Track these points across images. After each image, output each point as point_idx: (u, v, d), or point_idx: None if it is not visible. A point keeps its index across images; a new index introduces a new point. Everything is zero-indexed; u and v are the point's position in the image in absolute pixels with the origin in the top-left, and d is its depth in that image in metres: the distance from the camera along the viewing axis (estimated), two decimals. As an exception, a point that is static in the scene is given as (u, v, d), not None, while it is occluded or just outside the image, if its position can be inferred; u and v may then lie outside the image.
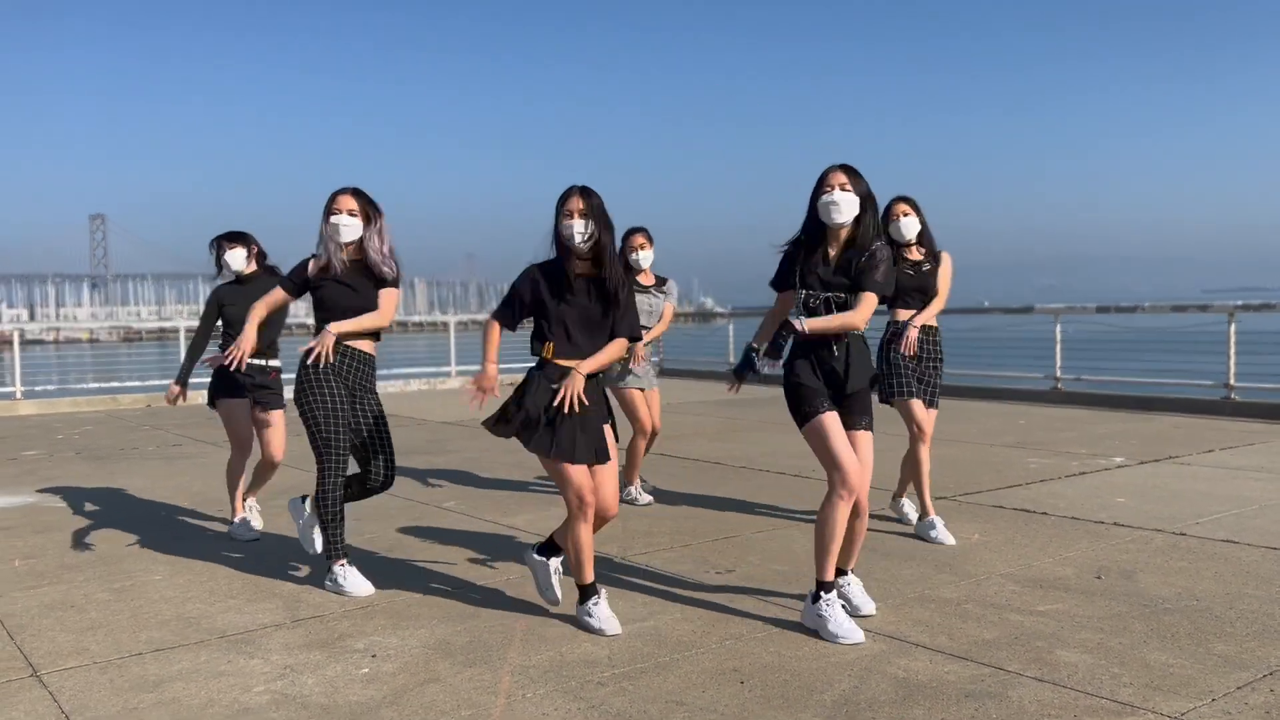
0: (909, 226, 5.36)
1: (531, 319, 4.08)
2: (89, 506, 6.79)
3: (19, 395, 13.89)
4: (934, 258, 5.48)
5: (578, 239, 3.95)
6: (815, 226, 4.03)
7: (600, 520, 4.07)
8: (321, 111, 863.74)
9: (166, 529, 6.05)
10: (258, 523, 5.83)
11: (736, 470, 7.66)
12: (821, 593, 3.90)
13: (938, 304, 5.45)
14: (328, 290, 4.59)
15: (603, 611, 4.02)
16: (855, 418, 4.03)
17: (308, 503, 4.75)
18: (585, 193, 3.98)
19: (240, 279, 5.75)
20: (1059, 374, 12.14)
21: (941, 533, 5.29)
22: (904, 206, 5.39)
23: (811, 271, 4.00)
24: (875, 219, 4.04)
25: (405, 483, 7.39)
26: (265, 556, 5.31)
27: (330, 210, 4.59)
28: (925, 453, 5.43)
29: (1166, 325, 13.55)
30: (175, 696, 3.42)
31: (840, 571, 4.14)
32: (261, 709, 3.30)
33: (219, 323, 5.79)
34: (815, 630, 3.87)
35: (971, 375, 13.25)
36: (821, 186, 3.97)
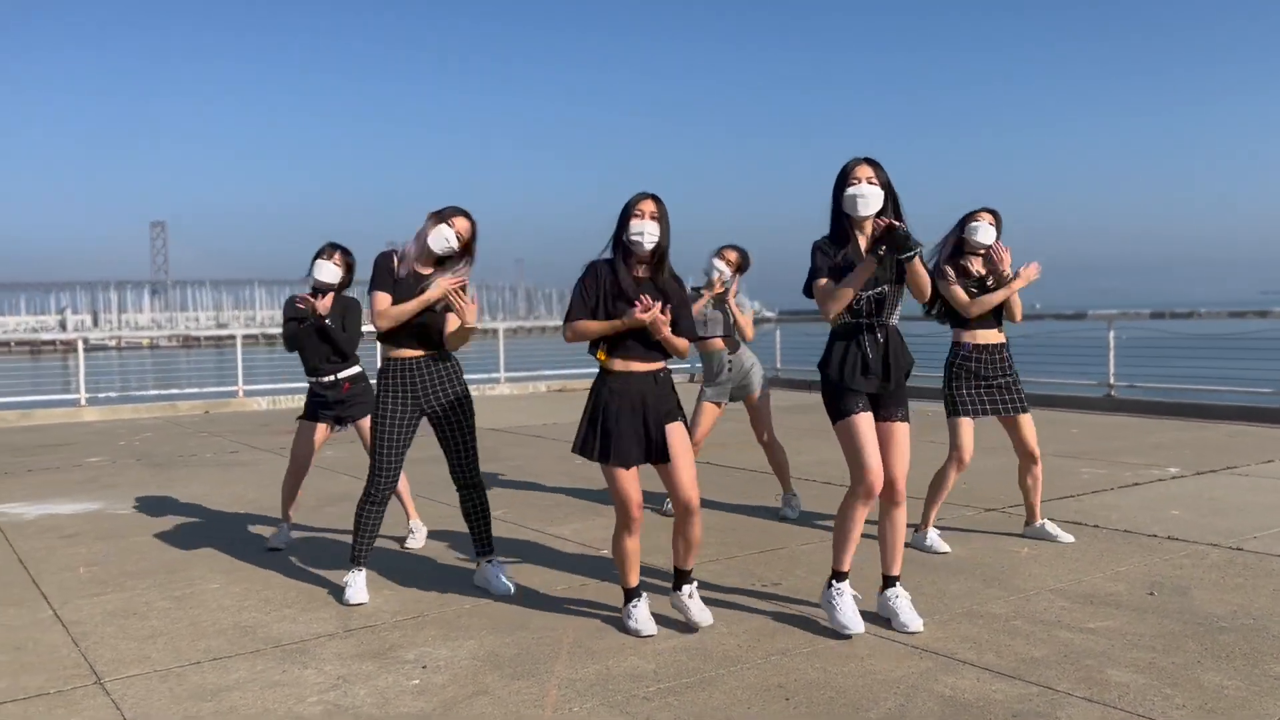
0: (985, 232, 5.30)
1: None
2: (149, 513, 6.96)
3: (83, 402, 14.26)
4: (999, 279, 5.37)
5: (647, 240, 4.01)
6: (840, 221, 4.07)
7: (685, 513, 4.10)
8: (369, 114, 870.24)
9: (223, 536, 6.18)
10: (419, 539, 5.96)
11: (797, 483, 7.63)
12: (834, 580, 4.09)
13: (1014, 297, 5.41)
14: (398, 292, 4.62)
15: (641, 613, 4.11)
16: (892, 409, 4.13)
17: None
18: (656, 199, 4.05)
19: (318, 291, 5.78)
20: (1112, 381, 11.98)
21: (936, 541, 5.37)
22: (989, 216, 5.36)
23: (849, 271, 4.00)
24: (898, 210, 4.07)
25: (446, 491, 7.47)
26: (317, 565, 5.41)
27: (445, 219, 4.57)
28: (955, 477, 5.39)
29: (1225, 331, 13.27)
30: (233, 706, 3.51)
31: (890, 582, 4.19)
32: (315, 719, 3.38)
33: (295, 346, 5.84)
34: (826, 615, 4.08)
35: (1022, 381, 13.12)
36: (847, 179, 4.01)
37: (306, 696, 3.58)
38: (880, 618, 4.18)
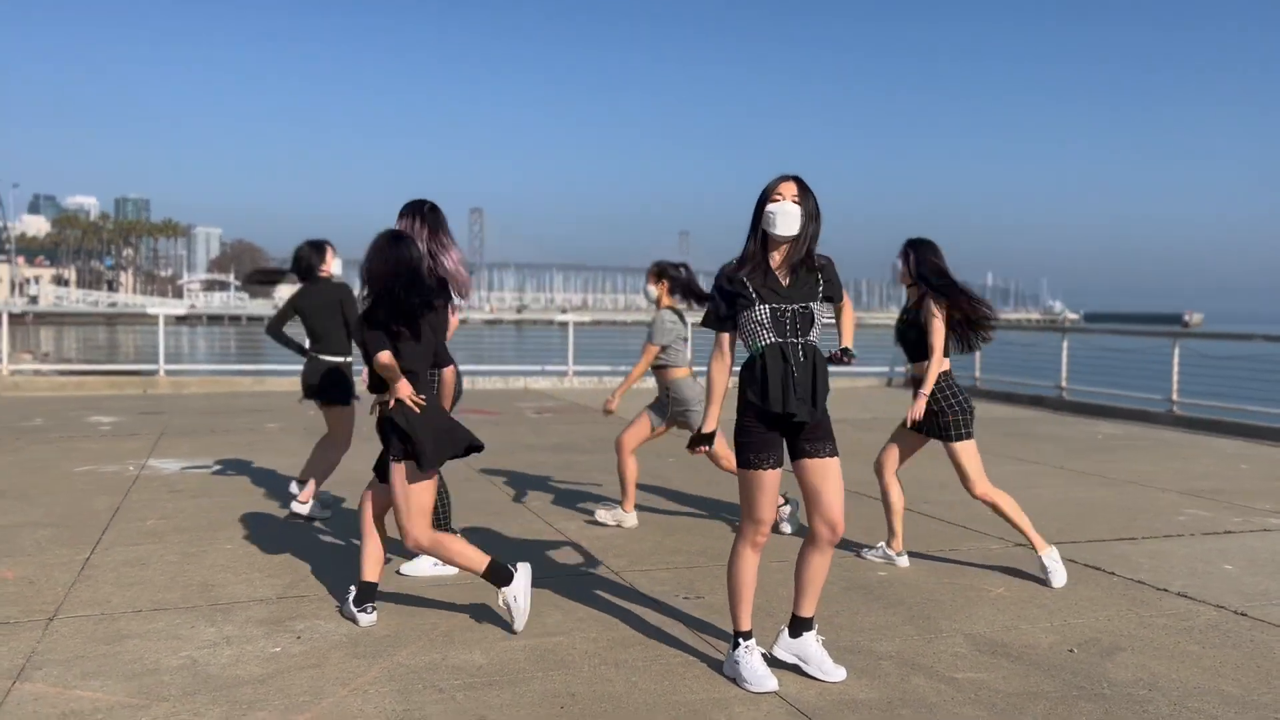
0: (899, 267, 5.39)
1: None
2: (253, 477, 7.81)
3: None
4: (921, 299, 5.27)
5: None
6: (758, 240, 3.82)
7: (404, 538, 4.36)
8: (666, 108, 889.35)
9: (287, 502, 6.84)
10: None
11: (852, 496, 7.37)
12: (740, 640, 3.81)
13: (932, 365, 5.23)
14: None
15: (367, 618, 4.38)
16: (820, 444, 3.78)
17: None
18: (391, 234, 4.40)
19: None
20: (1323, 413, 10.57)
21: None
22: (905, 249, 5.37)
23: (766, 287, 3.76)
24: (816, 238, 3.86)
25: (520, 478, 7.84)
26: (337, 537, 5.92)
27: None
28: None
29: None
30: (120, 651, 4.03)
31: (806, 625, 3.89)
32: (166, 671, 3.82)
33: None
34: (733, 679, 3.77)
35: (1224, 408, 11.85)
36: (770, 196, 3.79)
37: (181, 650, 4.04)
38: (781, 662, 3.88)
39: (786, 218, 3.75)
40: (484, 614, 4.51)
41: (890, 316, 19.16)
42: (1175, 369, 12.27)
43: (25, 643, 4.11)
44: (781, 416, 3.74)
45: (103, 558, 5.41)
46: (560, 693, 3.63)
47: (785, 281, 3.81)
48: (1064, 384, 14.01)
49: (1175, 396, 12.25)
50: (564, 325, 17.62)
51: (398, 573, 5.11)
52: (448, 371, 4.73)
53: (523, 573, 4.29)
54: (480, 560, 4.26)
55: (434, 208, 4.96)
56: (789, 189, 3.79)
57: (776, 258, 3.83)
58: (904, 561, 5.40)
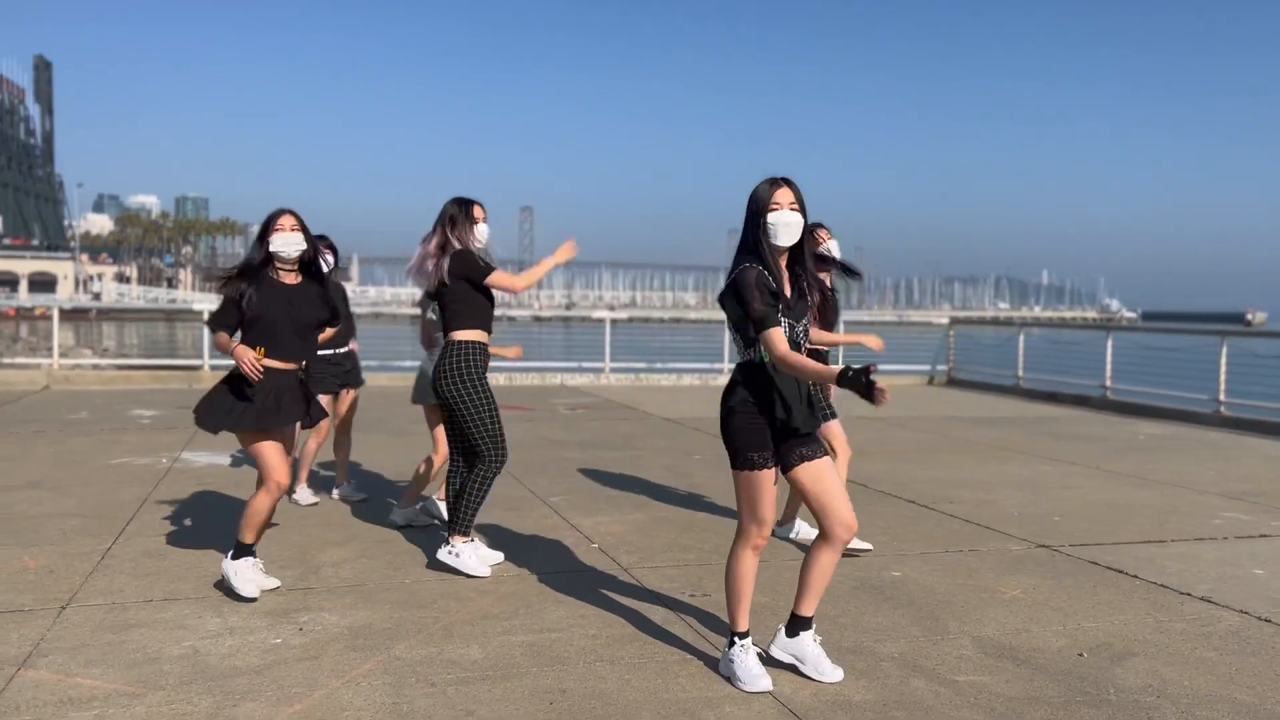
0: (835, 249, 5.57)
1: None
2: (281, 471, 7.87)
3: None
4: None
5: (293, 250, 4.75)
6: (761, 248, 3.68)
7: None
8: (700, 114, 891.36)
9: (324, 498, 6.88)
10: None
11: (876, 495, 7.32)
12: (736, 639, 3.76)
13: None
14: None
15: (243, 567, 4.67)
16: (814, 446, 3.73)
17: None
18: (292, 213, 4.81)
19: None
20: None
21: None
22: (826, 232, 5.57)
23: (784, 302, 3.67)
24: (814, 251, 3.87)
25: (543, 473, 7.83)
26: (360, 532, 5.96)
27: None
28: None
29: None
30: (125, 640, 4.08)
31: (804, 624, 3.82)
32: (166, 660, 3.86)
33: None
34: (728, 678, 3.73)
35: (1275, 409, 11.52)
36: (768, 206, 3.67)
37: (184, 640, 4.08)
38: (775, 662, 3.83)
39: (790, 229, 3.66)
40: (485, 609, 4.50)
41: (938, 314, 18.88)
42: (1223, 368, 11.98)
43: (35, 630, 4.18)
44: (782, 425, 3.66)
45: (123, 548, 5.49)
46: (551, 689, 3.61)
47: (790, 295, 3.73)
48: (1108, 383, 13.73)
49: (1223, 396, 11.94)
50: (601, 322, 17.61)
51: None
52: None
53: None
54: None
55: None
56: (786, 196, 3.68)
57: (777, 265, 3.73)
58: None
